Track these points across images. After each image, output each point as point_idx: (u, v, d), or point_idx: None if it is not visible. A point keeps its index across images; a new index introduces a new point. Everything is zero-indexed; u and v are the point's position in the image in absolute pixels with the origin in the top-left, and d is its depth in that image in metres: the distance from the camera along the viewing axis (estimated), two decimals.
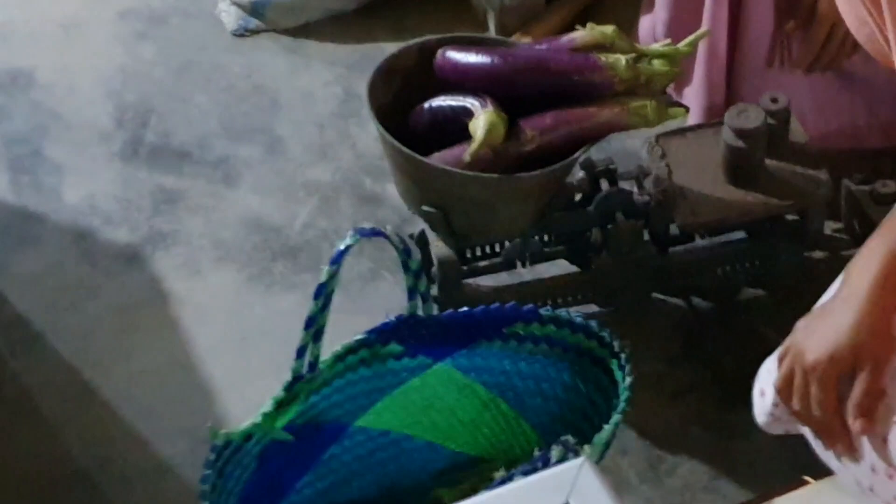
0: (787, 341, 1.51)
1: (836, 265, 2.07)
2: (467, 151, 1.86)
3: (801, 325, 1.51)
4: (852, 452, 1.48)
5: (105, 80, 2.64)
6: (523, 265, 2.13)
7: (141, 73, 2.66)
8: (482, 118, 1.87)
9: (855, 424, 1.44)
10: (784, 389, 1.49)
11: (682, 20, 2.34)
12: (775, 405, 1.64)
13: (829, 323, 1.46)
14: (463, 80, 1.98)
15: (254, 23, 2.74)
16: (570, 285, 2.14)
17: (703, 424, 2.04)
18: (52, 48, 2.72)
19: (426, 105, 1.99)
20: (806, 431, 1.61)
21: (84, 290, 2.23)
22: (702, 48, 2.30)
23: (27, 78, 2.64)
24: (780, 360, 1.51)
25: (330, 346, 1.68)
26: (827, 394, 1.46)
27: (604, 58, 1.93)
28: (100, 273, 2.27)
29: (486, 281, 2.14)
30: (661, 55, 1.96)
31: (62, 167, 2.46)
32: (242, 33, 2.74)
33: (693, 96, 2.39)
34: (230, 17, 2.75)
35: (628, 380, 1.65)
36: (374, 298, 2.21)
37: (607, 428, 1.59)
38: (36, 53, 2.70)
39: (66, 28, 2.76)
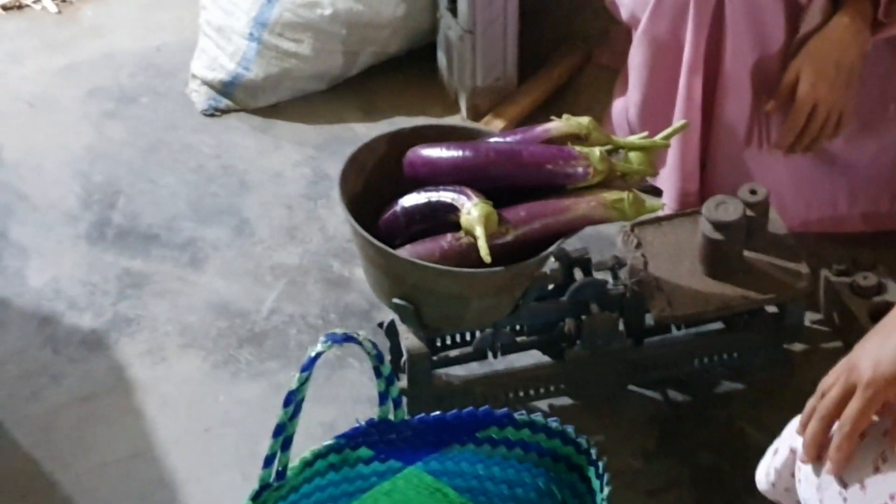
0: (845, 359, 1.46)
1: (815, 358, 2.13)
2: (481, 247, 1.81)
3: (864, 342, 1.46)
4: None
5: (72, 159, 2.61)
6: (494, 356, 2.11)
7: (109, 153, 2.63)
8: (476, 211, 1.84)
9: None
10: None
11: (656, 103, 2.34)
12: (778, 474, 1.64)
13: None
14: (435, 175, 1.96)
15: (224, 102, 2.73)
16: (543, 376, 2.11)
17: None
18: (19, 126, 2.68)
19: (399, 206, 1.95)
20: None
21: (46, 378, 2.19)
22: (678, 145, 2.31)
23: None
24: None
25: (298, 439, 1.61)
26: (865, 415, 1.43)
27: (579, 149, 1.91)
28: (63, 360, 2.22)
29: (457, 370, 2.11)
30: (637, 147, 1.96)
31: (27, 249, 2.42)
32: (212, 113, 2.72)
33: (667, 181, 2.37)
34: (200, 96, 2.74)
35: (607, 490, 1.61)
36: (341, 387, 2.18)
37: None
38: (2, 131, 2.66)
39: (33, 106, 2.73)
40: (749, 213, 2.00)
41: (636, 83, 2.38)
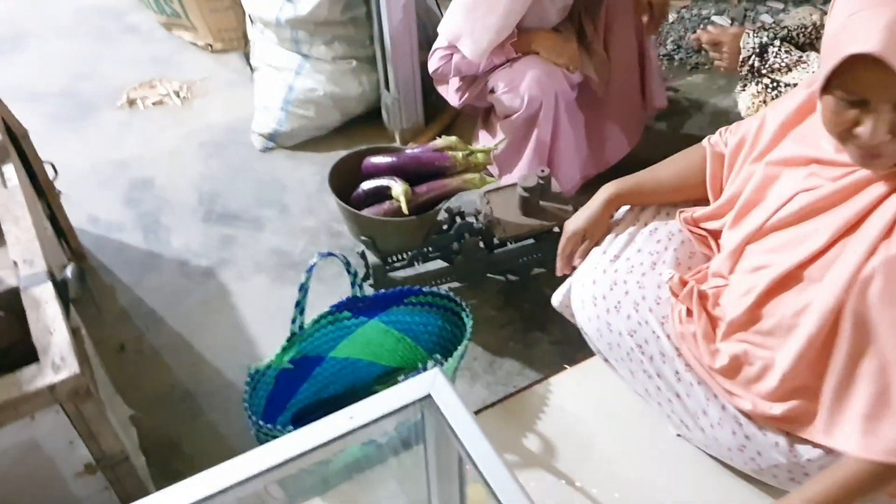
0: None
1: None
2: (403, 206, 1.87)
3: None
4: None
5: (192, 180, 2.61)
6: (418, 264, 2.14)
7: (211, 176, 2.63)
8: (400, 188, 1.90)
9: None
10: None
11: (512, 146, 2.34)
12: (562, 296, 1.72)
13: None
14: (379, 171, 2.00)
15: (270, 144, 2.72)
16: (443, 273, 2.15)
17: (515, 341, 2.05)
18: (164, 165, 2.68)
19: (361, 189, 1.99)
20: (580, 321, 1.64)
21: (184, 293, 2.21)
22: (529, 158, 2.33)
23: (150, 182, 2.61)
24: None
25: (312, 314, 1.67)
26: (566, 248, 1.64)
27: (451, 153, 1.96)
28: (192, 283, 2.25)
29: (399, 273, 2.14)
30: (481, 151, 1.99)
31: (170, 227, 2.43)
32: (265, 150, 2.72)
33: (517, 174, 2.35)
34: (258, 142, 2.73)
35: (470, 322, 1.68)
36: (340, 287, 2.19)
37: (460, 348, 1.62)
38: (155, 168, 2.67)
39: (170, 154, 2.73)
40: (541, 181, 2.04)
41: (501, 133, 2.37)
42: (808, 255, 1.28)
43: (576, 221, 1.63)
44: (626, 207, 1.67)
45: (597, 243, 1.62)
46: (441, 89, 2.50)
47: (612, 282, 1.55)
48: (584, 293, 1.59)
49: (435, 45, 2.34)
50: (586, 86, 2.37)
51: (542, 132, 2.29)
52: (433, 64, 2.35)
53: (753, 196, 1.42)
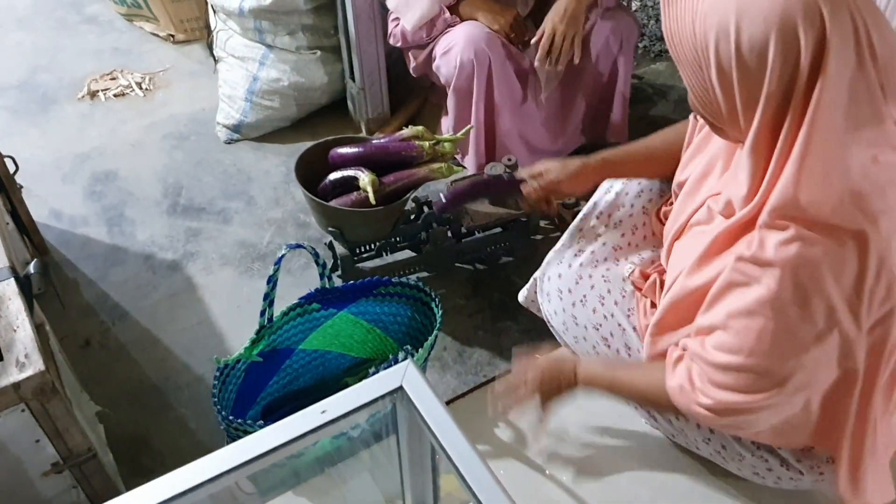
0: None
1: (546, 242, 2.13)
2: (371, 197, 1.85)
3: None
4: None
5: (156, 172, 2.57)
6: (386, 254, 2.13)
7: (175, 167, 2.59)
8: (367, 179, 1.88)
9: None
10: None
11: (460, 120, 2.34)
12: (528, 292, 1.72)
13: None
14: (346, 162, 1.97)
15: (235, 136, 2.68)
16: (411, 262, 2.15)
17: (485, 330, 2.04)
18: (127, 157, 2.64)
19: (328, 180, 1.97)
20: (548, 316, 1.63)
21: (150, 287, 2.18)
22: (473, 137, 2.35)
23: (114, 175, 2.57)
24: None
25: (281, 305, 1.65)
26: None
27: (418, 143, 1.95)
28: (158, 277, 2.22)
29: (367, 264, 2.13)
30: (448, 140, 1.98)
31: (135, 220, 2.39)
32: (230, 142, 2.69)
33: (471, 160, 2.40)
34: (222, 133, 2.70)
35: (440, 312, 1.67)
36: (308, 278, 2.18)
37: (430, 338, 1.61)
38: (118, 161, 2.63)
39: (133, 146, 2.69)
40: (507, 170, 2.01)
41: (451, 115, 2.38)
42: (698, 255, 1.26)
43: (549, 163, 1.59)
44: (591, 202, 1.64)
45: (574, 207, 1.54)
46: (406, 60, 2.50)
47: (578, 276, 1.55)
48: (549, 287, 1.59)
49: (389, 12, 2.38)
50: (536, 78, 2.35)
51: (477, 103, 2.28)
52: (389, 28, 2.39)
53: (690, 188, 1.36)
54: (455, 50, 2.22)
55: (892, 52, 0.99)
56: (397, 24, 2.36)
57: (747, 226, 1.10)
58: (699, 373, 1.21)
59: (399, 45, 2.40)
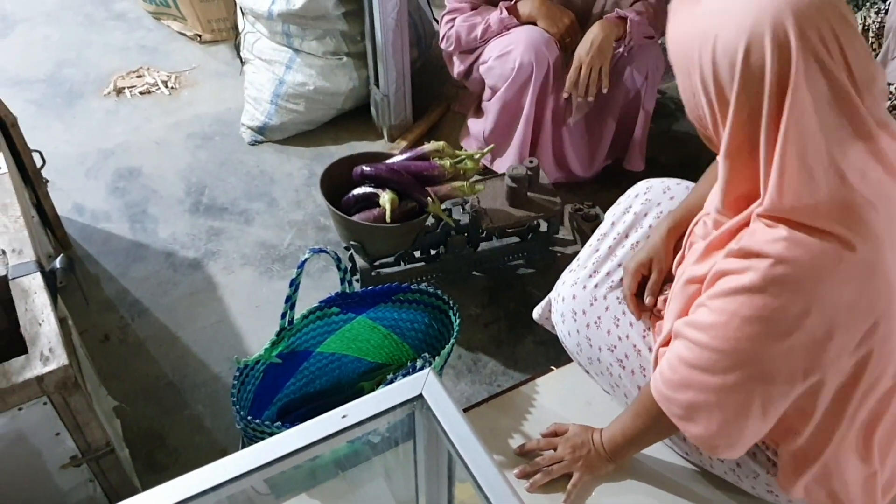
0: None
1: (566, 255, 2.16)
2: (387, 215, 1.89)
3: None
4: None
5: (180, 170, 2.59)
6: (404, 264, 2.13)
7: (199, 167, 2.61)
8: (387, 197, 1.91)
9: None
10: None
11: (500, 131, 2.36)
12: (543, 310, 1.70)
13: None
14: (367, 179, 1.98)
15: (259, 137, 2.70)
16: (429, 271, 2.14)
17: (500, 339, 2.06)
18: (152, 155, 2.66)
19: (352, 195, 1.98)
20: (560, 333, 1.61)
21: (170, 284, 2.20)
22: (517, 140, 2.35)
23: (138, 171, 2.59)
24: None
25: (301, 309, 1.63)
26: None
27: (440, 162, 1.97)
28: (179, 275, 2.23)
29: (384, 270, 2.10)
30: (469, 157, 2.00)
31: (157, 218, 2.41)
32: (254, 143, 2.70)
33: (508, 160, 2.37)
34: (247, 135, 2.71)
35: (458, 321, 1.66)
36: (326, 281, 2.20)
37: (447, 346, 1.61)
38: (142, 158, 2.65)
39: (158, 144, 2.71)
40: (529, 172, 2.04)
41: (491, 119, 2.37)
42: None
43: (636, 257, 1.53)
44: (609, 222, 1.64)
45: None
46: (448, 63, 2.51)
47: (592, 297, 1.54)
48: (564, 308, 1.58)
49: (443, 13, 2.39)
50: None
51: (529, 108, 2.29)
52: (441, 31, 2.40)
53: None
54: (515, 52, 2.23)
55: (871, 76, 1.02)
56: (452, 26, 2.36)
57: (739, 229, 1.13)
58: (671, 351, 1.24)
59: (451, 48, 2.40)
